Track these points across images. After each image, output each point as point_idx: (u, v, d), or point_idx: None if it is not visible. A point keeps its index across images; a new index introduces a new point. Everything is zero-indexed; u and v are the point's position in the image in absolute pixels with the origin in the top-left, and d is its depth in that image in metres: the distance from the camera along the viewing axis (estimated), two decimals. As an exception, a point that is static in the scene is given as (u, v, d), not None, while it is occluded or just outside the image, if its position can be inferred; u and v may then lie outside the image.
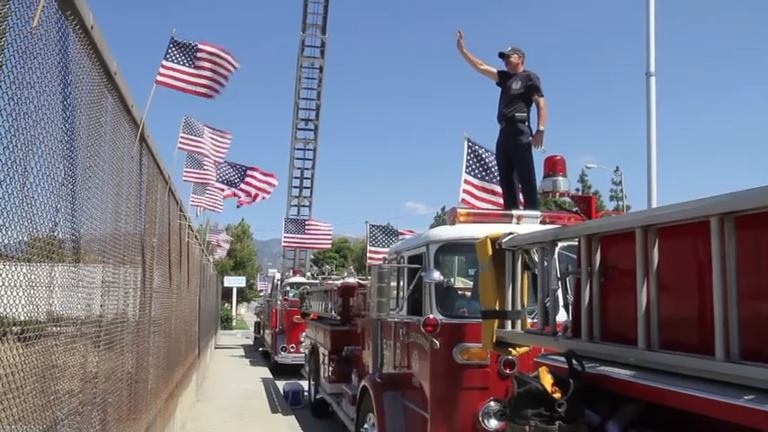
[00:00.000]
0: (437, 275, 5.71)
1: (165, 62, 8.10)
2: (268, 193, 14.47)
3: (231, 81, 8.74)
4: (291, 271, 23.23)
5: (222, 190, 14.06)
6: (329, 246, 25.24)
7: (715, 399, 2.26)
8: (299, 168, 26.37)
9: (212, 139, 12.20)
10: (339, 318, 10.31)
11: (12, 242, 2.16)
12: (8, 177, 2.07)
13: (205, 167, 12.59)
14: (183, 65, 8.22)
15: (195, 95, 8.52)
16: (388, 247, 14.07)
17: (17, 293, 2.20)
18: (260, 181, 14.29)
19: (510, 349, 4.04)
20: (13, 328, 2.27)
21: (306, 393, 12.68)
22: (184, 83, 8.26)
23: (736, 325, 2.28)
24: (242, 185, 14.03)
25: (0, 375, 2.11)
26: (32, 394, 2.46)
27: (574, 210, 6.12)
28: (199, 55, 8.40)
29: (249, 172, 14.24)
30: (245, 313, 61.85)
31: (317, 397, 11.38)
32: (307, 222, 22.08)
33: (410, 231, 16.90)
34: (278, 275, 23.23)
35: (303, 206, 26.86)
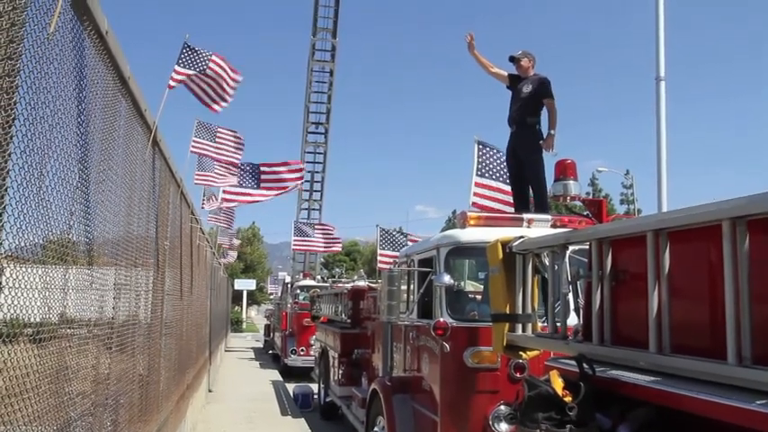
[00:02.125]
0: (447, 279, 5.71)
1: (177, 67, 8.17)
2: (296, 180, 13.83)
3: (237, 90, 8.91)
4: (302, 274, 23.29)
5: (245, 194, 13.69)
6: (339, 249, 25.29)
7: (727, 403, 2.25)
8: (309, 172, 26.45)
9: (228, 139, 12.20)
10: (349, 321, 10.32)
11: (28, 245, 2.19)
12: (25, 181, 2.10)
13: (217, 170, 12.61)
14: (196, 71, 8.30)
15: (203, 105, 8.65)
16: (398, 250, 14.04)
17: (32, 295, 2.23)
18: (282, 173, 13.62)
19: (520, 353, 4.04)
20: (27, 330, 2.30)
21: (315, 396, 12.69)
22: (197, 87, 8.35)
23: (748, 329, 2.26)
24: (262, 184, 13.53)
25: (15, 376, 2.13)
26: (46, 395, 2.49)
27: (584, 213, 6.12)
28: (211, 65, 8.51)
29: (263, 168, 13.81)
30: (256, 316, 61.99)
31: (327, 400, 11.38)
32: (316, 226, 22.16)
33: (411, 235, 16.97)
34: (288, 278, 23.29)
35: (313, 209, 26.96)
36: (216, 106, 8.83)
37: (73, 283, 2.90)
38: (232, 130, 12.38)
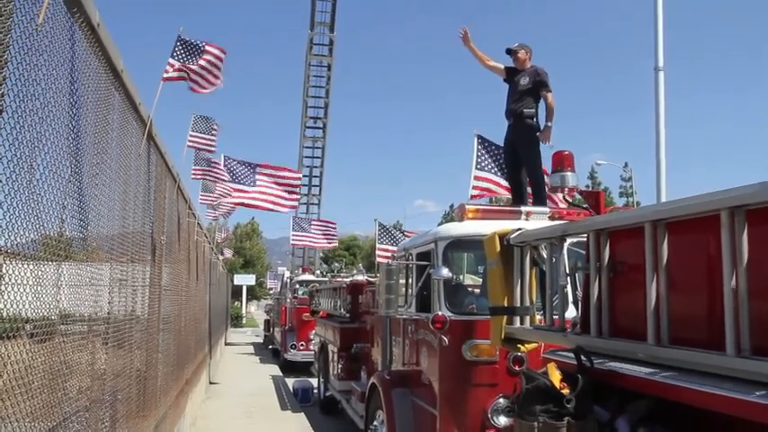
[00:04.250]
0: (446, 272, 5.69)
1: (171, 60, 8.12)
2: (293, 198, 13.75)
3: (232, 76, 8.79)
4: (301, 269, 23.32)
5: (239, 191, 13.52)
6: (336, 244, 25.38)
7: (726, 395, 2.23)
8: (307, 167, 26.49)
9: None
10: (348, 315, 10.32)
11: (19, 239, 2.17)
12: (14, 174, 2.07)
13: (215, 168, 12.56)
14: (190, 63, 8.24)
15: (200, 93, 8.56)
16: (397, 245, 14.02)
17: (24, 291, 2.21)
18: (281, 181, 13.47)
19: (519, 345, 4.02)
20: (26, 326, 2.28)
21: (315, 391, 12.70)
22: (191, 81, 8.29)
23: (746, 320, 2.25)
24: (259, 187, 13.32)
25: (12, 372, 2.11)
26: (42, 391, 2.47)
27: (583, 205, 6.10)
28: (205, 56, 8.43)
29: (260, 169, 13.69)
30: (255, 311, 62.04)
31: (327, 394, 11.40)
32: (313, 222, 22.20)
33: (407, 232, 17.03)
34: (287, 273, 23.30)
35: (312, 204, 27.00)
36: (210, 87, 8.66)
37: (67, 279, 2.88)
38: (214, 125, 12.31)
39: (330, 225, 21.96)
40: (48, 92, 2.40)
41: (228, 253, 28.78)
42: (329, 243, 22.97)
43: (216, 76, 8.55)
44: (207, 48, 8.42)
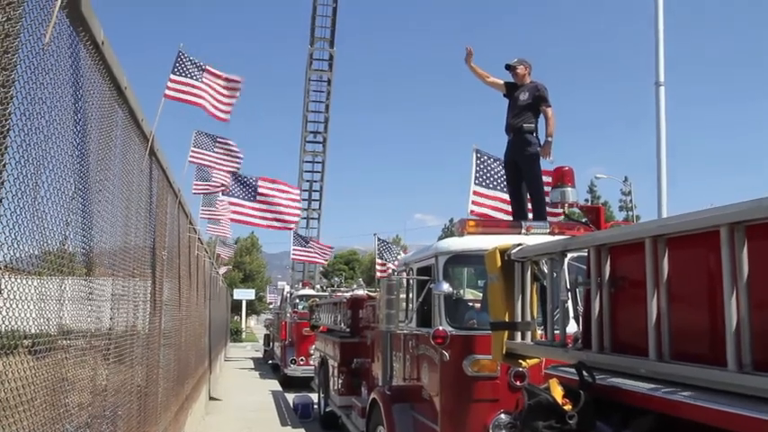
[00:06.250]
0: (446, 287, 5.69)
1: (173, 76, 8.18)
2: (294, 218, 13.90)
3: (240, 97, 8.90)
4: (301, 283, 23.28)
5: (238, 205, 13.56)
6: (326, 261, 25.76)
7: (727, 410, 2.23)
8: (307, 181, 26.54)
9: (226, 149, 12.21)
10: (348, 330, 10.30)
11: (23, 255, 2.18)
12: (20, 192, 2.09)
13: (214, 179, 12.60)
14: (192, 78, 8.30)
15: (207, 114, 8.64)
16: (396, 260, 14.03)
17: (27, 307, 2.22)
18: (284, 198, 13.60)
19: (520, 361, 4.02)
20: (25, 341, 2.28)
21: (315, 406, 12.64)
22: (194, 96, 8.35)
23: (748, 335, 2.25)
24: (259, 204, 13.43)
25: (12, 388, 2.12)
26: (43, 407, 2.47)
27: (583, 220, 6.11)
28: (206, 75, 8.52)
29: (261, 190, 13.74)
30: (255, 326, 61.85)
31: (327, 409, 11.34)
32: (311, 239, 22.43)
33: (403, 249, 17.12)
34: (287, 288, 23.27)
35: (312, 218, 27.01)
36: (222, 115, 8.82)
37: (69, 294, 2.89)
38: (229, 141, 12.38)
39: (326, 249, 22.22)
40: (53, 110, 2.42)
41: (224, 269, 28.82)
42: (325, 259, 23.25)
43: (226, 107, 8.66)
44: (208, 68, 8.50)
